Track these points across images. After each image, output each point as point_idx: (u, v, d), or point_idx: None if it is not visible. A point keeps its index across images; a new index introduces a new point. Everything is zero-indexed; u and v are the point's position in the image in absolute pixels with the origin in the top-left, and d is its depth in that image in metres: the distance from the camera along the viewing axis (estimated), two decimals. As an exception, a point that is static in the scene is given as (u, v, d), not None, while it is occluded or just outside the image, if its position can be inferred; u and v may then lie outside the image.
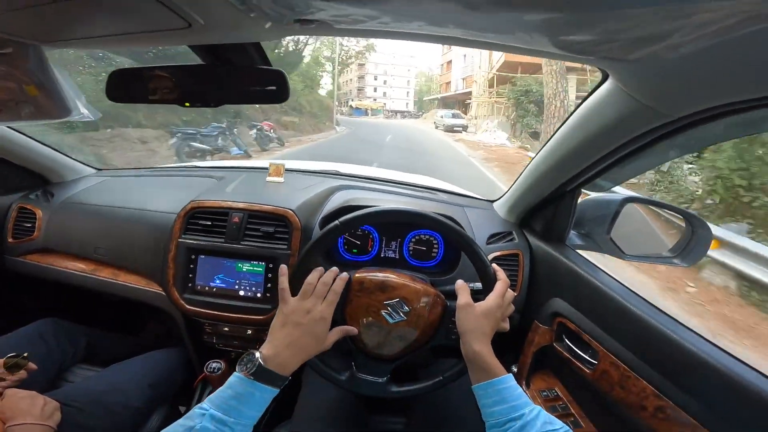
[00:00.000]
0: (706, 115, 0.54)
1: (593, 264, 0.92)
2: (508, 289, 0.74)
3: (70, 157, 1.42)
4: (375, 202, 1.11)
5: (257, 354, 0.61)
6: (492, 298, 0.71)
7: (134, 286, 1.15)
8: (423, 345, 0.77)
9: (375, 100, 59.09)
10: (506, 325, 0.74)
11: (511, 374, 0.64)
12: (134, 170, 1.52)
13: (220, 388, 0.59)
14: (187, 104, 0.63)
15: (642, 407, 0.68)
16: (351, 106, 54.22)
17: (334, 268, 0.74)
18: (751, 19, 0.34)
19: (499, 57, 19.56)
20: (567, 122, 0.79)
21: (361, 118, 44.18)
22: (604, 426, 0.83)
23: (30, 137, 1.26)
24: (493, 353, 0.67)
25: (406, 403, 1.02)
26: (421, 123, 35.22)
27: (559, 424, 0.57)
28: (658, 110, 0.57)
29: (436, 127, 24.75)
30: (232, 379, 0.59)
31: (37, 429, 0.77)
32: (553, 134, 0.84)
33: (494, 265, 0.77)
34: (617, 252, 0.90)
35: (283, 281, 0.70)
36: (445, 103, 40.30)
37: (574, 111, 0.76)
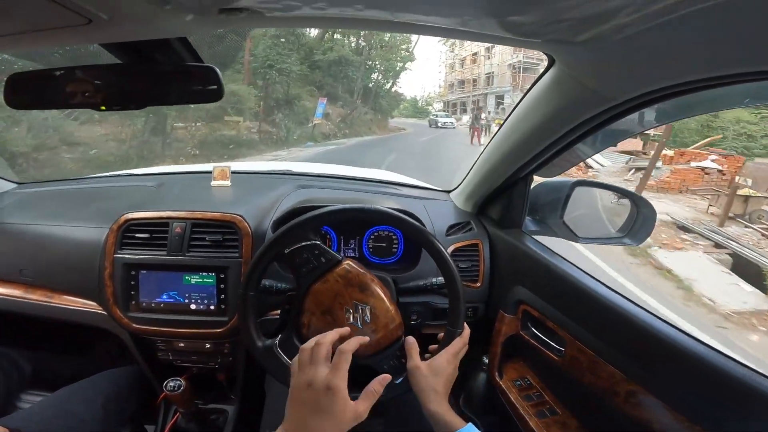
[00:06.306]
0: (646, 99, 0.55)
1: (549, 249, 0.93)
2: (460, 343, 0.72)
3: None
4: (332, 201, 1.07)
5: None
6: (444, 356, 0.70)
7: (72, 308, 1.05)
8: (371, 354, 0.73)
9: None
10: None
11: (470, 425, 0.61)
12: (60, 182, 1.36)
13: None
14: (103, 108, 0.56)
15: (614, 393, 0.66)
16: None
17: (338, 330, 0.63)
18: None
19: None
20: (516, 109, 0.78)
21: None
22: (580, 412, 0.82)
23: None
24: (450, 408, 0.65)
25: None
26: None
27: None
28: (603, 94, 0.57)
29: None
30: None
31: None
32: (504, 121, 0.84)
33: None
34: (570, 235, 0.92)
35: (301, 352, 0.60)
36: None
37: (523, 98, 0.75)
